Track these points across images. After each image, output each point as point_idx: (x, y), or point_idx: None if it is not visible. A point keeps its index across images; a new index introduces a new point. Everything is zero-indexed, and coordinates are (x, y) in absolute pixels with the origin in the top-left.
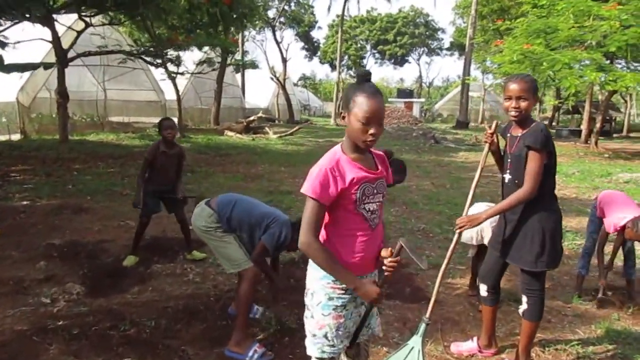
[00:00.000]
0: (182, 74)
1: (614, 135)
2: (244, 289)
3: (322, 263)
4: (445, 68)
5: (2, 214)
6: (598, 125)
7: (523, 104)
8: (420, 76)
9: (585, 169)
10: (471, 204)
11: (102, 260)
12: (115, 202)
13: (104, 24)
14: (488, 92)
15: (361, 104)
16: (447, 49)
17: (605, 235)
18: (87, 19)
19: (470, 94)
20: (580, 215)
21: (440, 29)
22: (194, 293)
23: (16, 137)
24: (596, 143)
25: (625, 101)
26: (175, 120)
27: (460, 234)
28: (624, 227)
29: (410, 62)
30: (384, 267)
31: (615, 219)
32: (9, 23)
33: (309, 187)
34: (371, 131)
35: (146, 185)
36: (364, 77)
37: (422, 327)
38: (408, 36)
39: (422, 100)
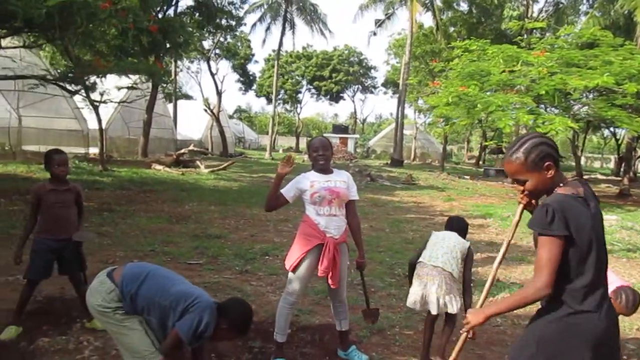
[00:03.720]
0: (104, 102)
1: None
2: None
3: None
4: (378, 105)
5: None
6: None
7: (528, 185)
8: (355, 112)
9: None
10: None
11: None
12: (10, 248)
13: (17, 47)
14: (420, 130)
15: None
16: (382, 85)
17: None
18: None
19: (403, 131)
20: (523, 264)
21: (374, 67)
22: None
23: None
24: None
25: None
26: (96, 150)
27: (467, 332)
28: None
29: (345, 99)
30: None
31: None
32: None
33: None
34: None
35: (38, 238)
36: None
37: None
38: (343, 73)
39: (357, 136)
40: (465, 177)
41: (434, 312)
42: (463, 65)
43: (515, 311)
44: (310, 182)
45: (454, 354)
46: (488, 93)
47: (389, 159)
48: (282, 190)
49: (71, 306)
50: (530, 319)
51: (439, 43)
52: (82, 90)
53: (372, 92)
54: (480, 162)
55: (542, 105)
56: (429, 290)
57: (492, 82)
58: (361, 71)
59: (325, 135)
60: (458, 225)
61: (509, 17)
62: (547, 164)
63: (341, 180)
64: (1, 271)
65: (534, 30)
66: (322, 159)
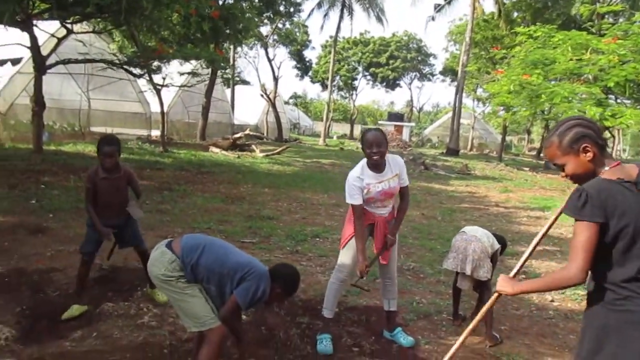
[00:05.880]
0: (166, 86)
1: None
2: (207, 353)
3: None
4: (436, 94)
5: None
6: None
7: (567, 170)
8: (411, 100)
9: None
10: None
11: (46, 295)
12: (78, 221)
13: (87, 32)
14: (478, 120)
15: None
16: (440, 73)
17: None
18: (69, 26)
19: (460, 120)
20: None
21: (432, 54)
22: (146, 341)
23: None
24: None
25: (613, 136)
26: (157, 133)
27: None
28: None
29: (401, 86)
30: None
31: None
32: None
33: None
34: None
35: (85, 198)
36: None
37: None
38: (400, 60)
39: (412, 124)
40: (525, 169)
41: (468, 272)
42: (527, 53)
43: (568, 305)
44: (366, 184)
45: (480, 313)
46: (552, 82)
47: (444, 149)
48: (351, 202)
49: (133, 275)
50: (584, 310)
51: (500, 29)
52: (147, 74)
53: (429, 80)
54: (541, 154)
55: (612, 96)
56: (467, 252)
57: (557, 71)
58: (419, 58)
59: (380, 122)
60: (501, 241)
61: (579, 1)
62: (583, 146)
63: (393, 176)
64: (71, 241)
65: (606, 15)
66: (376, 155)
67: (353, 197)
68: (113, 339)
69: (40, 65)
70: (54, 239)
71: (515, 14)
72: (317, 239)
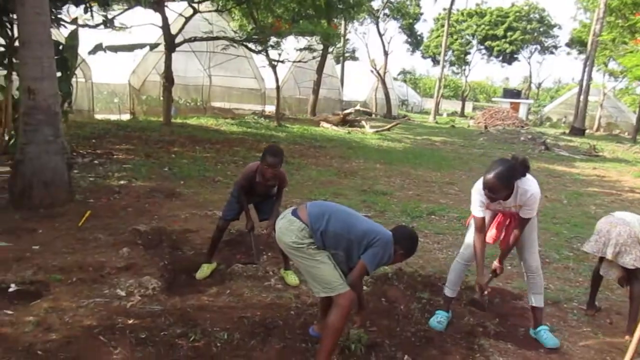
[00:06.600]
0: (282, 61)
1: None
2: (337, 317)
3: None
4: (557, 69)
5: (99, 193)
6: None
7: None
8: (530, 76)
9: None
10: None
11: (184, 252)
12: (205, 188)
13: (210, 11)
14: (608, 97)
15: None
16: (566, 45)
17: None
18: (195, 6)
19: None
20: None
21: (557, 25)
22: (273, 302)
23: (126, 117)
24: None
25: None
26: (272, 108)
27: None
28: None
29: (519, 60)
30: None
31: None
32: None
33: None
34: None
35: (238, 187)
36: None
37: None
38: (520, 32)
39: (530, 101)
40: None
41: (609, 256)
42: None
43: None
44: (486, 204)
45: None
46: None
47: (566, 128)
48: (473, 212)
49: (259, 240)
50: None
51: None
52: (264, 51)
53: (552, 53)
54: None
55: None
56: (610, 235)
57: None
58: (541, 29)
59: (494, 99)
60: None
61: None
62: None
63: (514, 206)
64: (201, 206)
65: None
66: (488, 199)
67: (475, 208)
68: (244, 297)
69: (170, 43)
70: (186, 204)
71: None
72: (433, 217)
